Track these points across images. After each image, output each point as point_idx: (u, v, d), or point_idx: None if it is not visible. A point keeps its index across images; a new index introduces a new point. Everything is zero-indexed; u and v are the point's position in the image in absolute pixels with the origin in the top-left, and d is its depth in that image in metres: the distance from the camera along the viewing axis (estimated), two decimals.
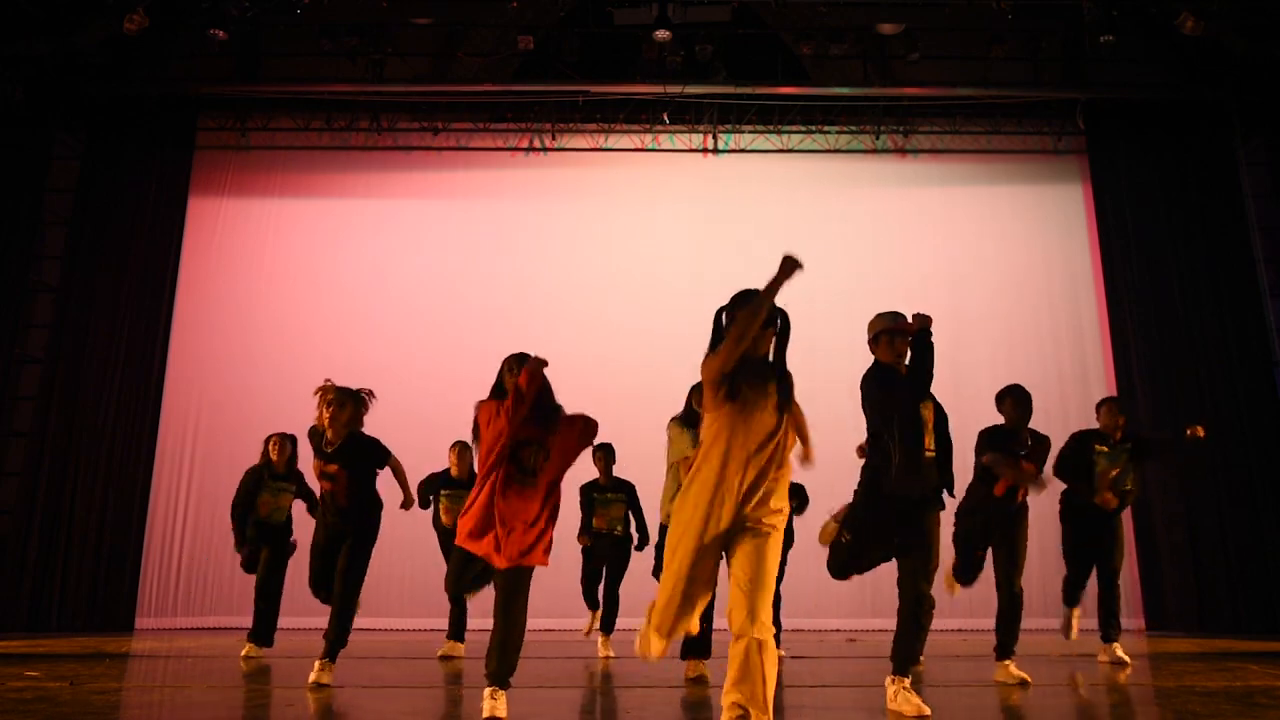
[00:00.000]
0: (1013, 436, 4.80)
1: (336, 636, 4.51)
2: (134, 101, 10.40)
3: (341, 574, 4.57)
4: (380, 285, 10.21)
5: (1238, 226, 10.14)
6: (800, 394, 3.03)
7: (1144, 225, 10.19)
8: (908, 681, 3.57)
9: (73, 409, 9.64)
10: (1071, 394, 9.63)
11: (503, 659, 3.42)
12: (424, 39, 10.40)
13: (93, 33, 9.16)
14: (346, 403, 4.54)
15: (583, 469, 6.79)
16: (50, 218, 10.36)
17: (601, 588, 6.66)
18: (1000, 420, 4.90)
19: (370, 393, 4.67)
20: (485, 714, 3.34)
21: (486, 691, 3.40)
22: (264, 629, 6.10)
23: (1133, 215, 10.24)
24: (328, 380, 4.62)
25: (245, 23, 9.54)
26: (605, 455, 6.60)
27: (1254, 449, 9.40)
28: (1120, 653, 5.51)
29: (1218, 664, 5.49)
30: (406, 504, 5.24)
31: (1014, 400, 4.86)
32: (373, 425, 5.04)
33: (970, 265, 10.28)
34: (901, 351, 3.77)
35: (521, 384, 3.46)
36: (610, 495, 6.62)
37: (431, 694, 4.56)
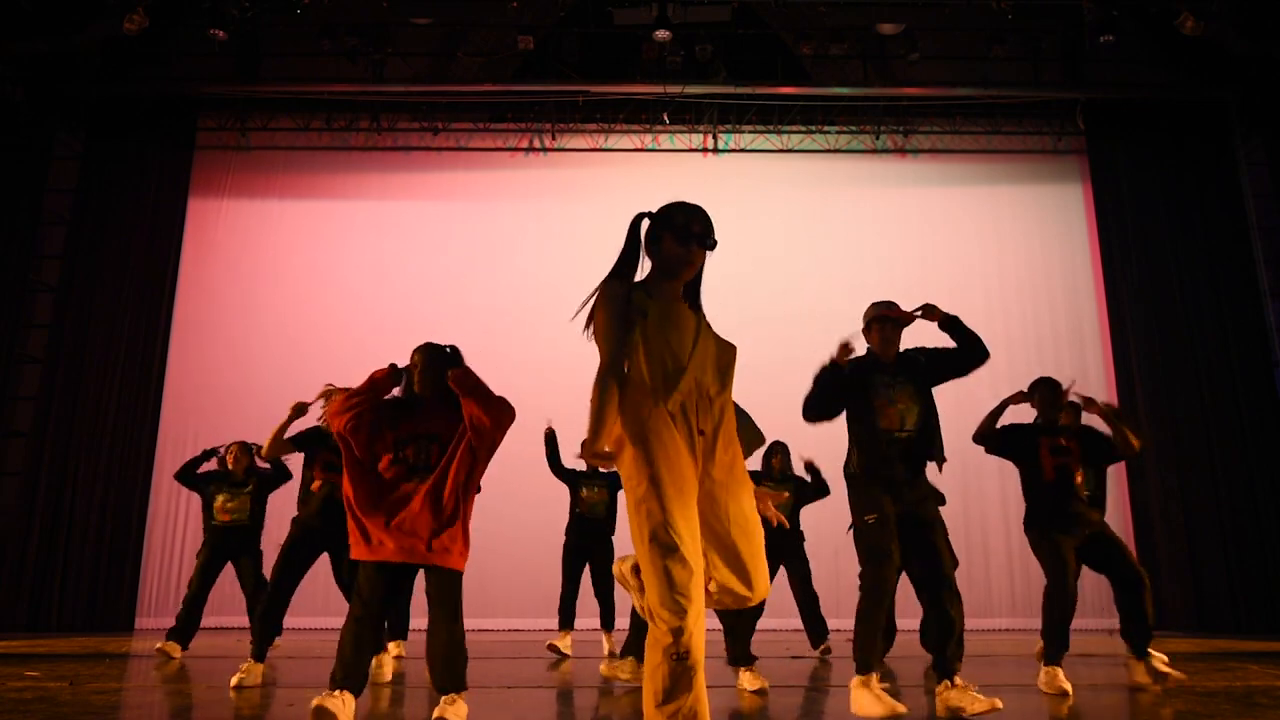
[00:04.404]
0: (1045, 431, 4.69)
1: None
2: (134, 101, 10.41)
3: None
4: (380, 285, 10.21)
5: (1238, 226, 10.16)
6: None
7: (1144, 225, 10.20)
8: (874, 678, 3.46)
9: (73, 409, 9.65)
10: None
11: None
12: (424, 39, 10.39)
13: (93, 33, 9.16)
14: None
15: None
16: (50, 218, 10.36)
17: (589, 587, 6.62)
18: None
19: None
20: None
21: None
22: (183, 630, 6.16)
23: (1133, 215, 10.25)
24: (328, 385, 4.71)
25: (245, 23, 9.53)
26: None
27: (1254, 449, 9.41)
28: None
29: (1218, 664, 5.49)
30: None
31: (1041, 398, 4.78)
32: None
33: (970, 265, 10.28)
34: (890, 338, 3.78)
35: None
36: (593, 481, 6.67)
37: (431, 693, 4.56)
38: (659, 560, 2.18)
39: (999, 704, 3.27)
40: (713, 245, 2.41)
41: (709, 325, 2.44)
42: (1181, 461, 9.46)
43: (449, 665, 3.23)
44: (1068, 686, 4.12)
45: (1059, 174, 10.76)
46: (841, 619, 8.80)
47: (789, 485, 6.46)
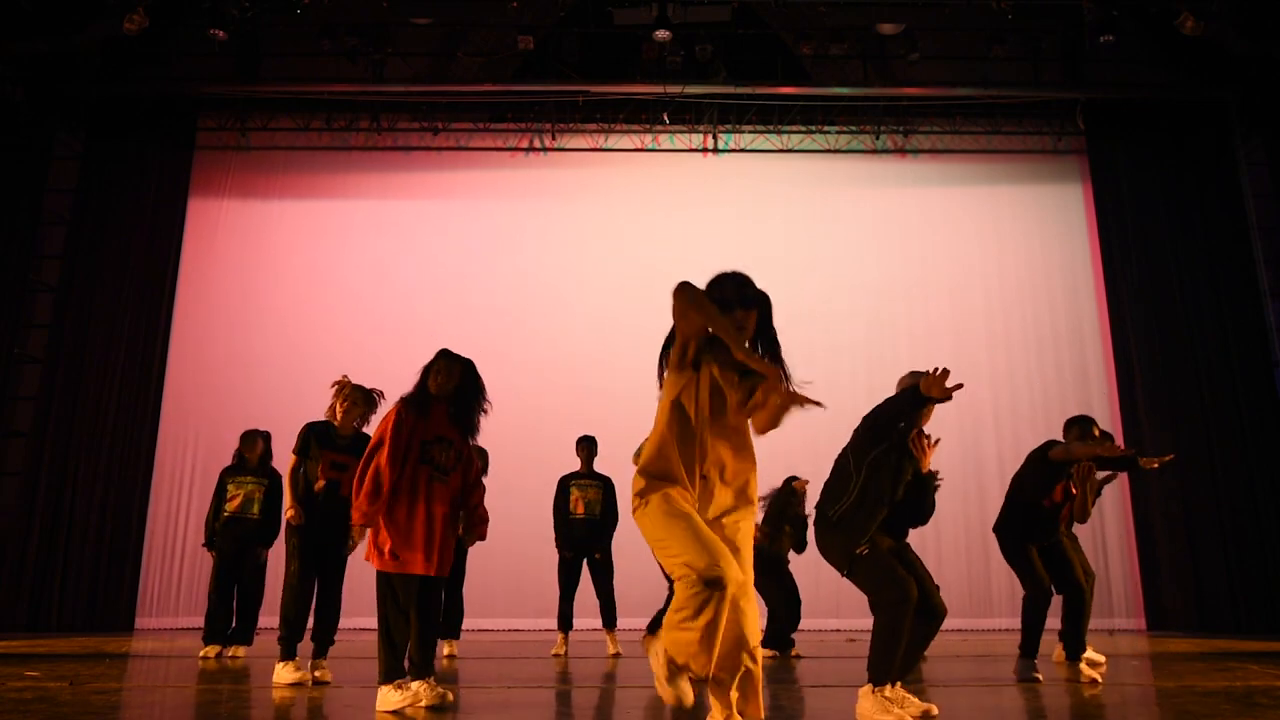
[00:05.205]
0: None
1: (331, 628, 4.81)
2: (134, 101, 10.42)
3: (338, 564, 4.81)
4: (380, 285, 10.21)
5: (1238, 226, 10.16)
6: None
7: (1144, 225, 10.21)
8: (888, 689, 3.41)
9: (73, 409, 9.66)
10: (1071, 395, 9.65)
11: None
12: (424, 39, 10.40)
13: (93, 33, 9.17)
14: (360, 401, 4.81)
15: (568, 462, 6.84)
16: (50, 218, 10.37)
17: (590, 587, 6.62)
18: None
19: (380, 394, 4.85)
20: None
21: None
22: (219, 628, 6.11)
23: (1133, 215, 10.26)
24: (345, 376, 4.85)
25: (245, 22, 9.53)
26: (587, 447, 6.75)
27: (1254, 449, 9.41)
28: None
29: (1218, 664, 5.49)
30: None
31: (1080, 432, 4.95)
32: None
33: (970, 265, 10.29)
34: (925, 418, 3.65)
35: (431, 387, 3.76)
36: (587, 482, 6.69)
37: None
38: (681, 527, 2.31)
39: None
40: (751, 299, 2.55)
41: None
42: (1181, 461, 9.45)
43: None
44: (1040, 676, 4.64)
45: (1059, 174, 10.77)
46: (842, 619, 8.85)
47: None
